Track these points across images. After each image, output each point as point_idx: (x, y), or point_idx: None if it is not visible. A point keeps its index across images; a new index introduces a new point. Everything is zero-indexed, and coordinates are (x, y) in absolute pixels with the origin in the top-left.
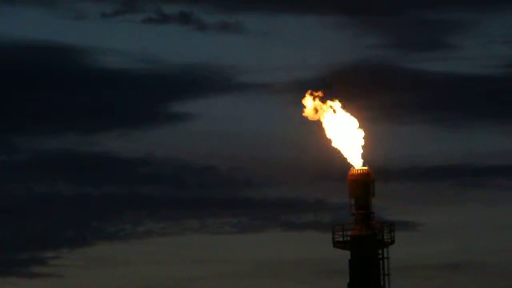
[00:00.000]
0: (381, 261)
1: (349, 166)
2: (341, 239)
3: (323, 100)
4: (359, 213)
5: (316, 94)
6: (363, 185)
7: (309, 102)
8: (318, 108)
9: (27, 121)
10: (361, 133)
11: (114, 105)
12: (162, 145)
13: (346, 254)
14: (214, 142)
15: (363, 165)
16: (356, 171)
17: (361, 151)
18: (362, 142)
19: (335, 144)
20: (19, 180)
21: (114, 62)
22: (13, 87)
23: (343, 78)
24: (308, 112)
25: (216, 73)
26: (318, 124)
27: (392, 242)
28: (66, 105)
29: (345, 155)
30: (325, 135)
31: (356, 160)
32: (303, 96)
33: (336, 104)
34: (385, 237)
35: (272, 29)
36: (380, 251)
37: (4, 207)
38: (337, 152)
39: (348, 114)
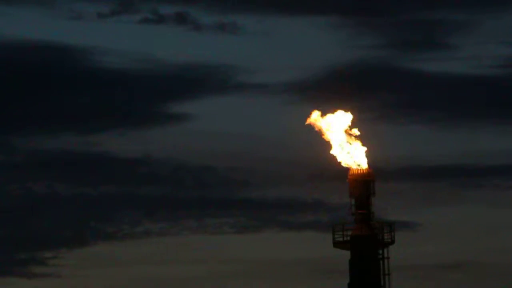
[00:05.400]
0: (381, 261)
1: (349, 166)
2: (341, 239)
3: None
4: (359, 213)
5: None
6: (363, 185)
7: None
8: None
9: (25, 122)
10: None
11: (112, 105)
12: (160, 145)
13: (346, 254)
14: (212, 142)
15: (363, 165)
16: (356, 171)
17: (361, 152)
18: (360, 144)
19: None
20: (18, 180)
21: (111, 63)
22: (11, 87)
23: (341, 78)
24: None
25: (213, 74)
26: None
27: (392, 242)
28: (64, 105)
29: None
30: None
31: (355, 160)
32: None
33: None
34: (385, 237)
35: (268, 29)
36: (380, 251)
37: (3, 207)
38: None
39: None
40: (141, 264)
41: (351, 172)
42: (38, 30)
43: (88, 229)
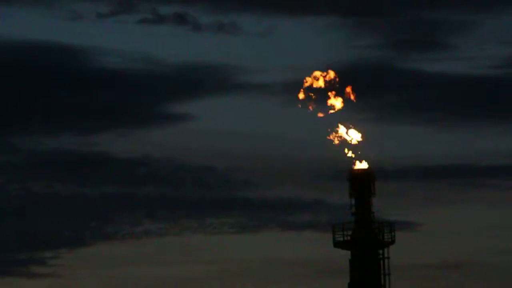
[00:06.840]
0: (381, 261)
1: (349, 166)
2: (341, 239)
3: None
4: (359, 213)
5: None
6: (363, 185)
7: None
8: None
9: (25, 122)
10: (358, 134)
11: (112, 106)
12: (160, 146)
13: (346, 254)
14: (212, 142)
15: (364, 165)
16: (357, 171)
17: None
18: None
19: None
20: (18, 180)
21: (110, 63)
22: (11, 87)
23: (341, 78)
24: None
25: (213, 74)
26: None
27: (393, 242)
28: (64, 105)
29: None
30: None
31: (356, 160)
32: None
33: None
34: (385, 237)
35: (267, 29)
36: (380, 251)
37: (3, 207)
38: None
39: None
40: (141, 264)
41: (351, 172)
42: (38, 30)
43: (88, 229)
